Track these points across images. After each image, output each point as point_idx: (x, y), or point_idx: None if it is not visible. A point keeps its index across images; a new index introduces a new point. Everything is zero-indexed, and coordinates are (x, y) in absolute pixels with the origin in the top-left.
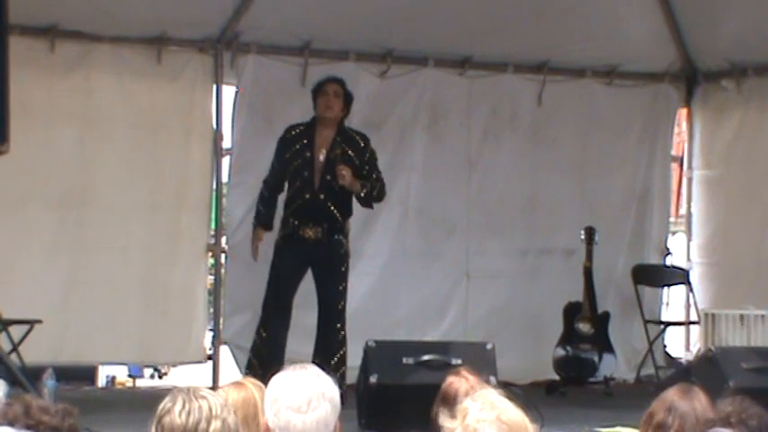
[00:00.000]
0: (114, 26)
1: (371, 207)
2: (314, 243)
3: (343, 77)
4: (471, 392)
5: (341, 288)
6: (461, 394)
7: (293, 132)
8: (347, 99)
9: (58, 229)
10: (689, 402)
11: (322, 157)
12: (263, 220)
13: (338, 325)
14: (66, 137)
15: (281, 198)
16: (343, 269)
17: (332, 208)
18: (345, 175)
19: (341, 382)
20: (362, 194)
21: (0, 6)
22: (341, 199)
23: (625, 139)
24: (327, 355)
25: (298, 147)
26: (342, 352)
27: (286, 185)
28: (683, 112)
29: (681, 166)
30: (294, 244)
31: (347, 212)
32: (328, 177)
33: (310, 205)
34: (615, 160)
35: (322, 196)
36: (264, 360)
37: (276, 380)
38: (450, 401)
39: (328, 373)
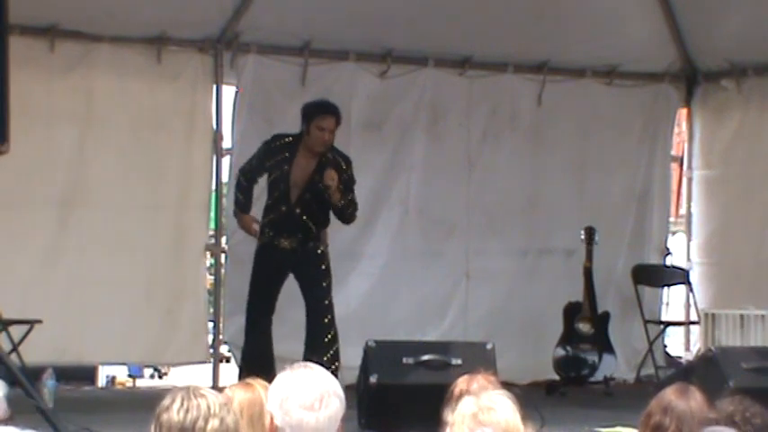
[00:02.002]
0: (114, 26)
1: (346, 222)
2: (289, 251)
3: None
4: (479, 392)
5: (324, 285)
6: (463, 393)
7: (278, 143)
8: (339, 124)
9: (57, 229)
10: (685, 402)
11: (304, 177)
12: (243, 206)
13: (326, 320)
14: (66, 137)
15: (261, 204)
16: (323, 267)
17: (306, 220)
18: (334, 179)
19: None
20: (339, 205)
21: (0, 6)
22: (317, 212)
23: (625, 139)
24: (318, 352)
25: (279, 158)
26: (334, 348)
27: (266, 194)
28: (683, 112)
29: (681, 166)
30: (270, 253)
31: (322, 224)
32: (308, 196)
33: (286, 218)
34: (615, 160)
35: (298, 210)
36: (253, 366)
37: (283, 379)
38: (454, 399)
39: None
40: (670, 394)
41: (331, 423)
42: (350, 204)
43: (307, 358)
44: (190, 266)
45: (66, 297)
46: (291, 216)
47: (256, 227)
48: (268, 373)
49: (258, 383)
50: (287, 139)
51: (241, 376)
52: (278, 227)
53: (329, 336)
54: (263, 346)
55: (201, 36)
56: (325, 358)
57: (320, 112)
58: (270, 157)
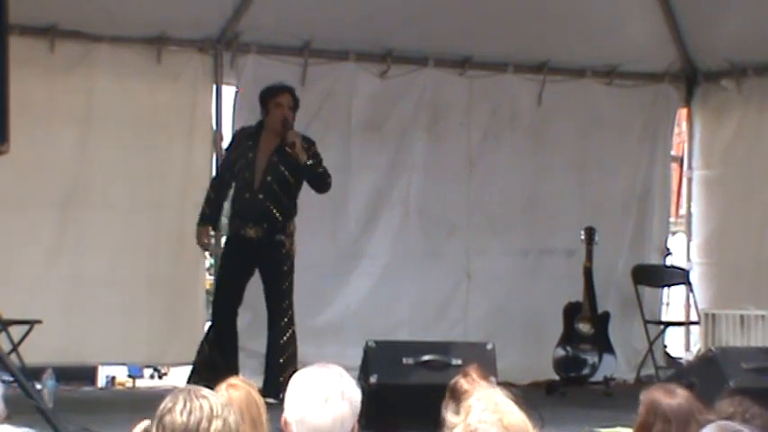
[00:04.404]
0: (114, 26)
1: (323, 185)
2: (256, 243)
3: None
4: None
5: (284, 287)
6: (468, 393)
7: (243, 132)
8: (297, 106)
9: (58, 230)
10: (676, 400)
11: (265, 160)
12: (206, 219)
13: (283, 322)
14: (66, 137)
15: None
16: (285, 268)
17: (271, 208)
18: (296, 141)
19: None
20: (308, 163)
21: (0, 6)
22: (281, 198)
23: (625, 139)
24: (276, 353)
25: (243, 147)
26: (291, 349)
27: (233, 186)
28: (683, 112)
29: (681, 166)
30: (238, 245)
31: (287, 214)
32: (269, 179)
33: (250, 204)
34: (615, 160)
35: (261, 196)
36: (212, 362)
37: (299, 375)
38: (457, 398)
39: (280, 370)
40: (660, 397)
41: (336, 424)
42: (320, 165)
43: (267, 357)
44: (190, 267)
45: (67, 297)
46: (255, 202)
47: (207, 240)
48: (231, 374)
49: (245, 383)
50: (250, 129)
51: (194, 373)
52: (243, 215)
53: (286, 337)
54: (228, 345)
55: (201, 36)
56: (281, 360)
57: (276, 90)
58: (235, 148)
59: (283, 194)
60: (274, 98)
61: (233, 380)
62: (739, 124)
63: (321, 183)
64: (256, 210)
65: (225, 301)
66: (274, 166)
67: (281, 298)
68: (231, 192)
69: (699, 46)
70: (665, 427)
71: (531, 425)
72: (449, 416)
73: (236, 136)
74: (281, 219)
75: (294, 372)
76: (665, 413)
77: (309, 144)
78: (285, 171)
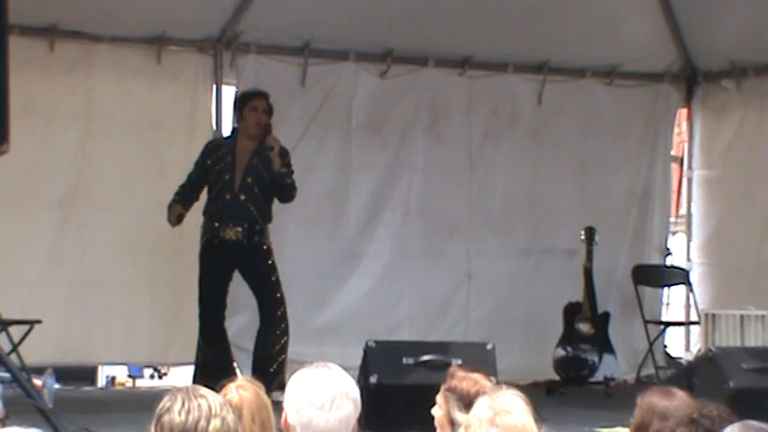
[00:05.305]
0: (114, 26)
1: (286, 196)
2: (235, 245)
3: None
4: (483, 392)
5: (273, 279)
6: (474, 392)
7: (216, 142)
8: (271, 112)
9: (59, 230)
10: (676, 402)
11: (244, 162)
12: (181, 200)
13: (278, 313)
14: (66, 137)
15: (199, 206)
16: (270, 262)
17: (252, 209)
18: (274, 146)
19: (282, 369)
20: (281, 171)
21: (0, 6)
22: (260, 200)
23: (625, 139)
24: (270, 343)
25: (220, 153)
26: (284, 340)
27: (206, 191)
28: (683, 112)
29: (681, 166)
30: (216, 249)
31: (266, 216)
32: (249, 180)
33: (231, 205)
34: (615, 160)
35: (242, 197)
36: (208, 369)
37: (299, 377)
38: (463, 399)
39: (272, 360)
40: (659, 399)
41: (342, 425)
42: (290, 177)
43: (258, 348)
44: (191, 266)
45: (68, 297)
46: (236, 203)
47: (179, 214)
48: (227, 376)
49: (252, 384)
50: (224, 140)
51: (197, 379)
52: (223, 216)
53: (281, 327)
54: (221, 348)
55: (201, 36)
56: (275, 349)
57: (252, 95)
58: (210, 155)
59: (263, 197)
60: (249, 102)
61: (241, 381)
62: (739, 124)
63: (286, 193)
64: (237, 210)
65: (211, 307)
66: (254, 168)
67: (274, 290)
68: (198, 199)
69: (699, 46)
70: (663, 425)
71: (536, 427)
72: (456, 414)
73: (209, 145)
74: (260, 221)
75: (284, 362)
76: (665, 414)
77: (285, 153)
78: (264, 173)
